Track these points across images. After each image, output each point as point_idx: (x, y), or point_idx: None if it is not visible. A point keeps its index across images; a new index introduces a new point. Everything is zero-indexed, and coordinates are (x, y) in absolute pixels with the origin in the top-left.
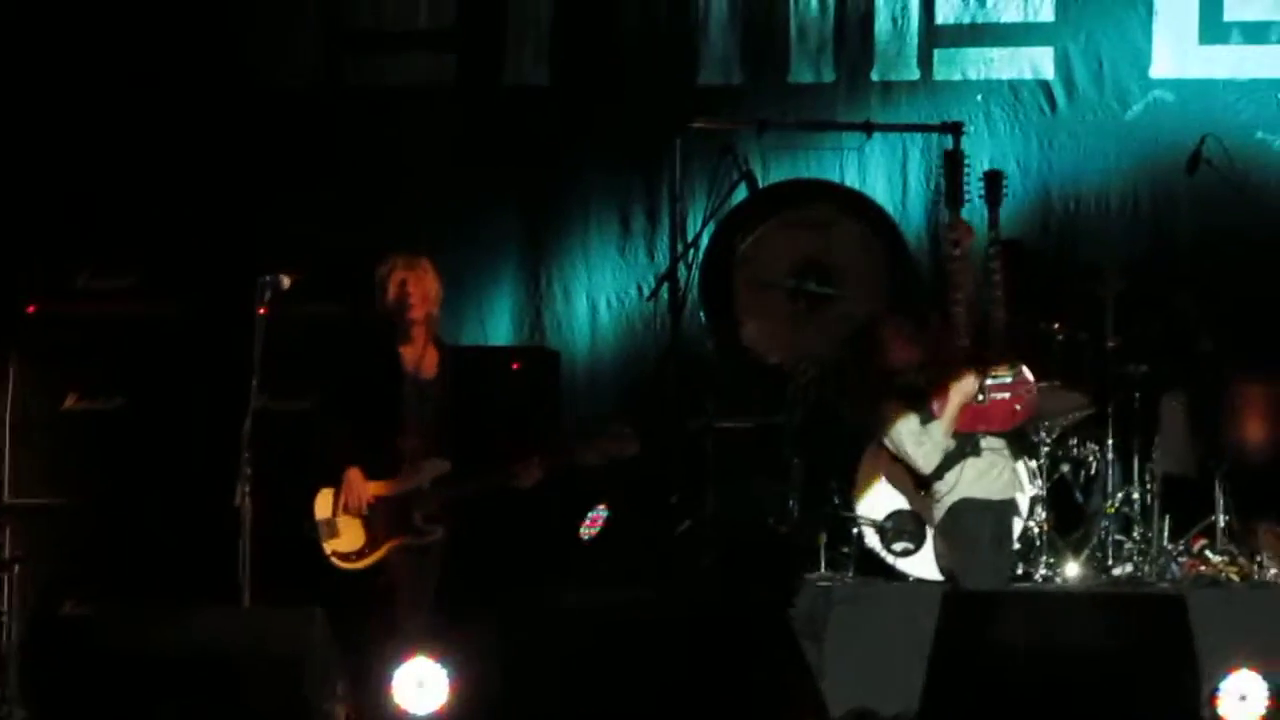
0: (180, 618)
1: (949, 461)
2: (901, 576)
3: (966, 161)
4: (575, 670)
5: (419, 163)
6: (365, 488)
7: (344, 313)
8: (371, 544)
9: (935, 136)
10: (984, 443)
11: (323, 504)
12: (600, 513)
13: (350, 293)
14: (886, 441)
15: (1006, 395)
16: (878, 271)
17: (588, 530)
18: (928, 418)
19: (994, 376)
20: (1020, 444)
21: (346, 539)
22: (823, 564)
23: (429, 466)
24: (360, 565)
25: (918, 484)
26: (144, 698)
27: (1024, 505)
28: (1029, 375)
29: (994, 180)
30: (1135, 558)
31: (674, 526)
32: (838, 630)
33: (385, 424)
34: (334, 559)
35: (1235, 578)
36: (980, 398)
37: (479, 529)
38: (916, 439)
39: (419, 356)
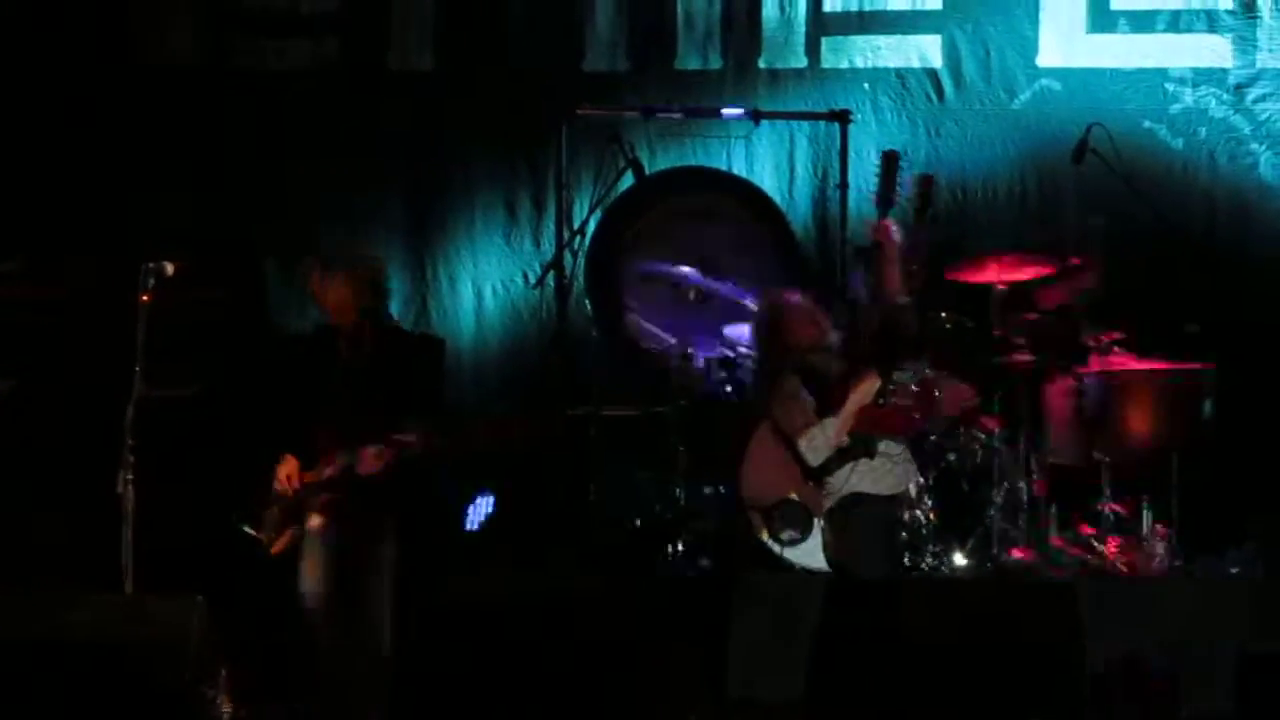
0: (60, 605)
1: (841, 458)
2: (788, 566)
3: (902, 163)
4: (462, 662)
5: (303, 147)
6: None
7: (228, 300)
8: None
9: (823, 125)
10: (881, 446)
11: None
12: (486, 500)
13: (231, 279)
14: (779, 422)
15: (908, 402)
16: (764, 261)
17: (474, 519)
18: (824, 410)
19: (897, 380)
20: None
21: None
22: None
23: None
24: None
25: (805, 474)
26: (22, 685)
27: (912, 494)
28: (934, 382)
29: (925, 184)
30: (1024, 546)
31: (560, 515)
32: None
33: (312, 411)
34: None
35: (1123, 567)
36: (880, 401)
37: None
38: (804, 426)
39: (352, 345)
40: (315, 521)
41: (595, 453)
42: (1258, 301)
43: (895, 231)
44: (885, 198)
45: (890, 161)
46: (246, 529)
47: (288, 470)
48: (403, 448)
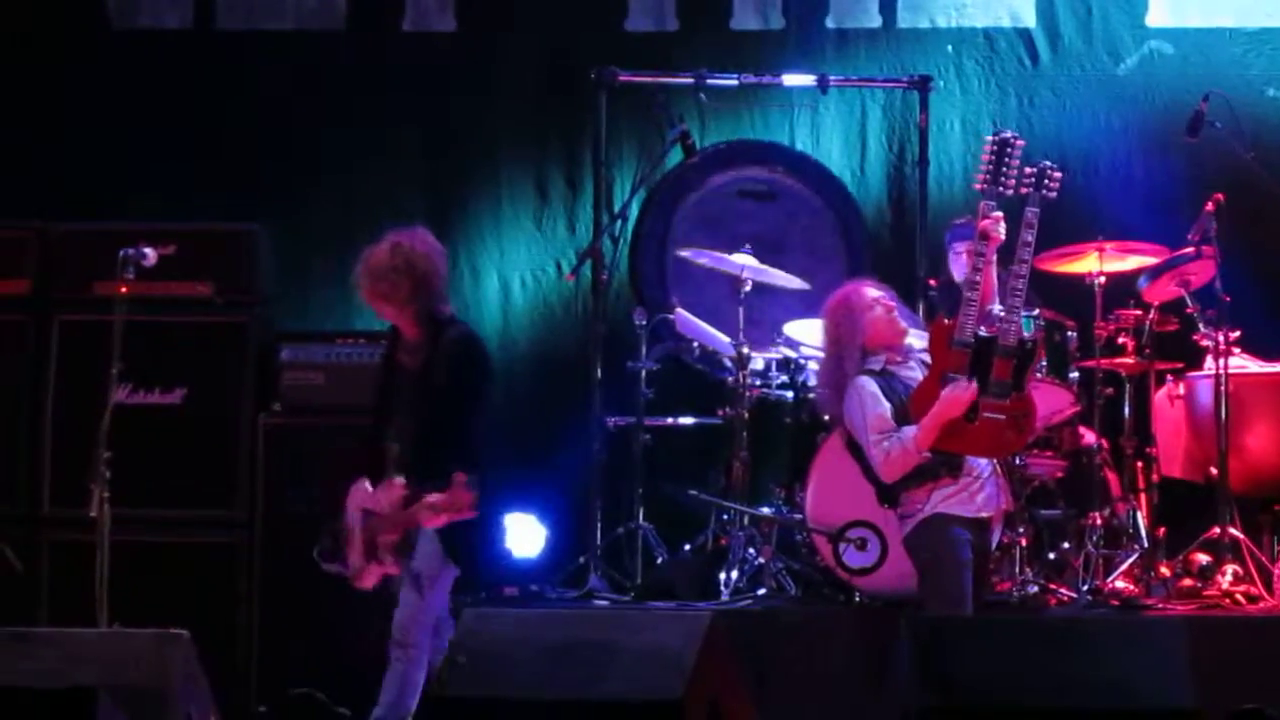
0: (29, 642)
1: (920, 477)
2: (858, 596)
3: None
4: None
5: (304, 120)
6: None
7: (213, 294)
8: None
9: (899, 93)
10: (966, 465)
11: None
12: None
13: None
14: (850, 432)
15: (1001, 418)
16: (831, 249)
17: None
18: (903, 421)
19: (993, 393)
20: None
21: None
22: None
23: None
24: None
25: (879, 493)
26: None
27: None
28: (1032, 401)
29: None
30: (1128, 576)
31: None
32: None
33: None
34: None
35: (1242, 601)
36: (971, 416)
37: None
38: (880, 436)
39: (409, 349)
40: (387, 560)
41: (640, 467)
42: None
43: (1001, 224)
44: (994, 185)
45: (1004, 147)
46: (328, 566)
47: (360, 500)
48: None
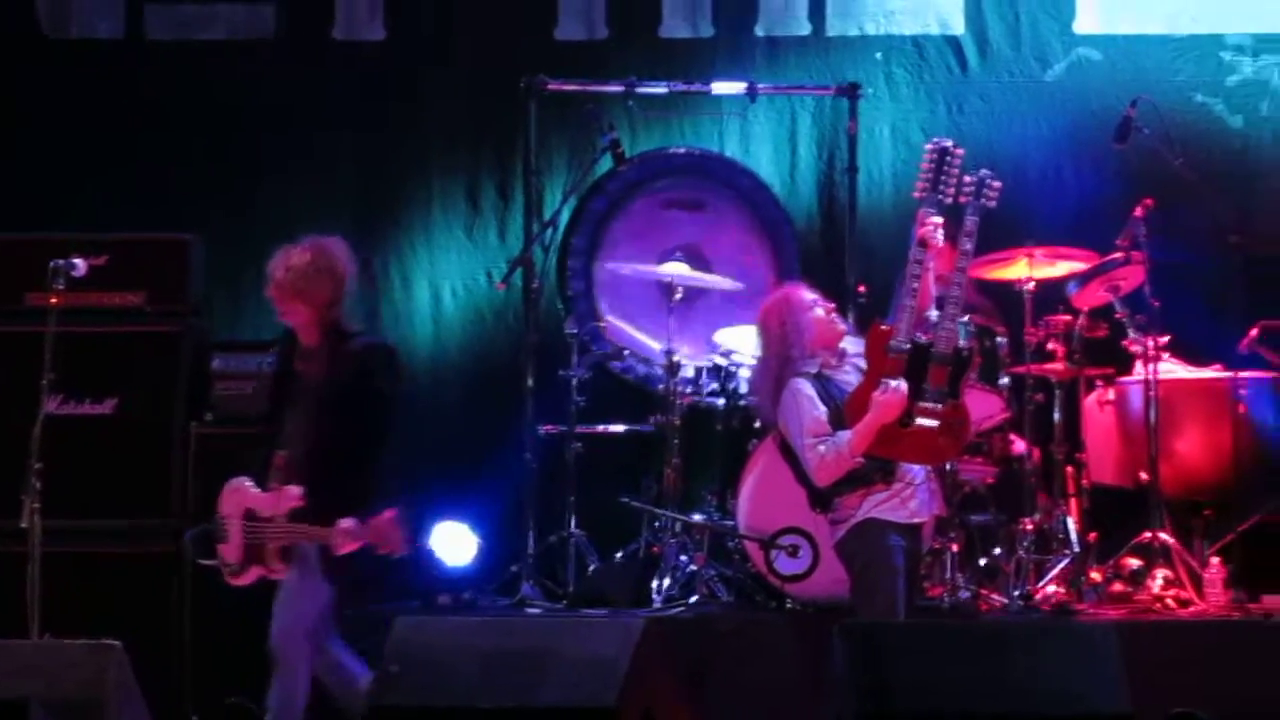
0: None
1: (853, 482)
2: (791, 602)
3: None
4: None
5: (235, 130)
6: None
7: (144, 304)
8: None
9: (829, 100)
10: (899, 471)
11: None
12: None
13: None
14: (785, 436)
15: (935, 425)
16: (761, 256)
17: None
18: (839, 422)
19: (928, 399)
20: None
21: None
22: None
23: (283, 495)
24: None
25: (812, 498)
26: None
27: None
28: (967, 409)
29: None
30: (1059, 581)
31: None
32: (716, 665)
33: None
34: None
35: (1173, 606)
36: (905, 422)
37: None
38: (815, 440)
39: (307, 356)
40: (275, 566)
41: (572, 475)
42: None
43: (939, 231)
44: (933, 193)
45: (944, 156)
46: (201, 560)
47: (236, 499)
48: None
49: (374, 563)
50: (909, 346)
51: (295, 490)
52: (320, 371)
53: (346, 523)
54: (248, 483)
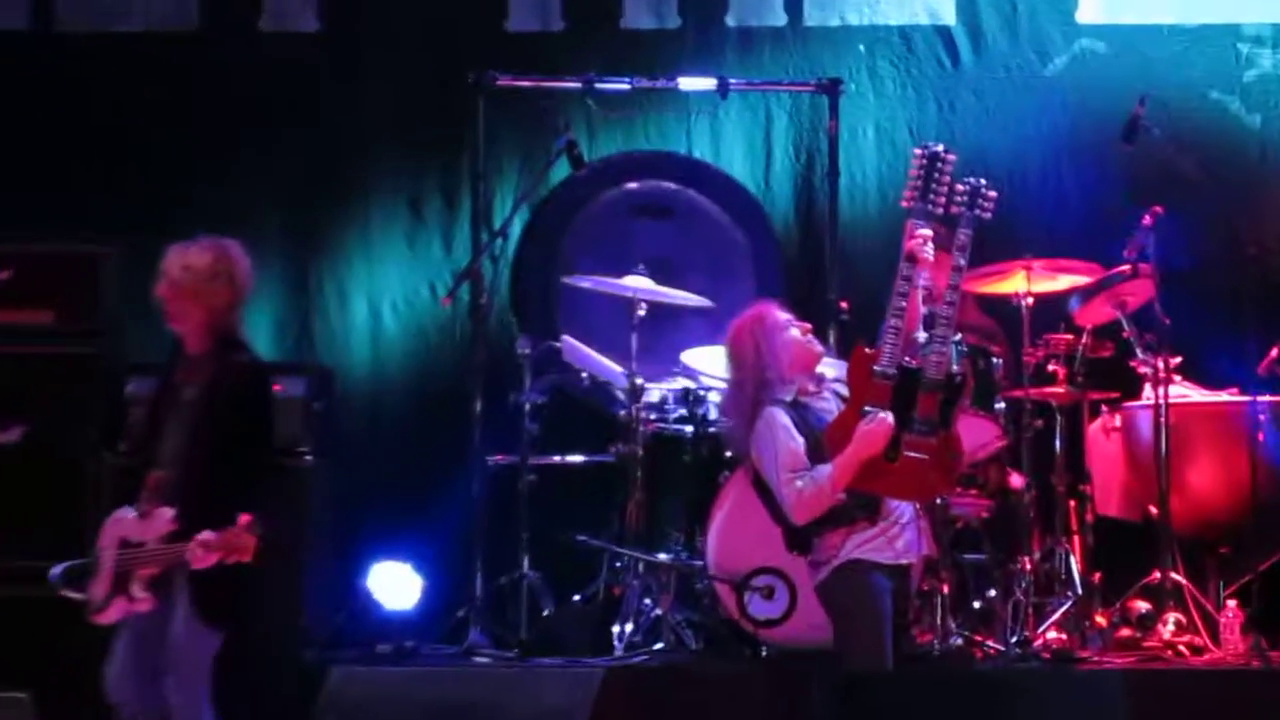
0: None
1: (834, 520)
2: (766, 650)
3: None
4: None
5: (153, 130)
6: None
7: (53, 324)
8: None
9: (807, 97)
10: (885, 507)
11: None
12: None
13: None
14: (758, 469)
15: (925, 458)
16: (734, 268)
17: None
18: (816, 458)
19: (917, 430)
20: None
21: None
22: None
23: (156, 517)
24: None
25: (790, 537)
26: None
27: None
28: (959, 441)
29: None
30: (1061, 625)
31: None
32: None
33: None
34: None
35: (1185, 653)
36: (891, 455)
37: None
38: (792, 475)
39: (190, 366)
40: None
41: (525, 511)
42: None
43: (929, 244)
44: (923, 202)
45: (934, 161)
46: (65, 590)
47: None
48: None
49: (238, 580)
50: (895, 372)
51: (168, 512)
52: (204, 381)
53: (204, 535)
54: (128, 510)
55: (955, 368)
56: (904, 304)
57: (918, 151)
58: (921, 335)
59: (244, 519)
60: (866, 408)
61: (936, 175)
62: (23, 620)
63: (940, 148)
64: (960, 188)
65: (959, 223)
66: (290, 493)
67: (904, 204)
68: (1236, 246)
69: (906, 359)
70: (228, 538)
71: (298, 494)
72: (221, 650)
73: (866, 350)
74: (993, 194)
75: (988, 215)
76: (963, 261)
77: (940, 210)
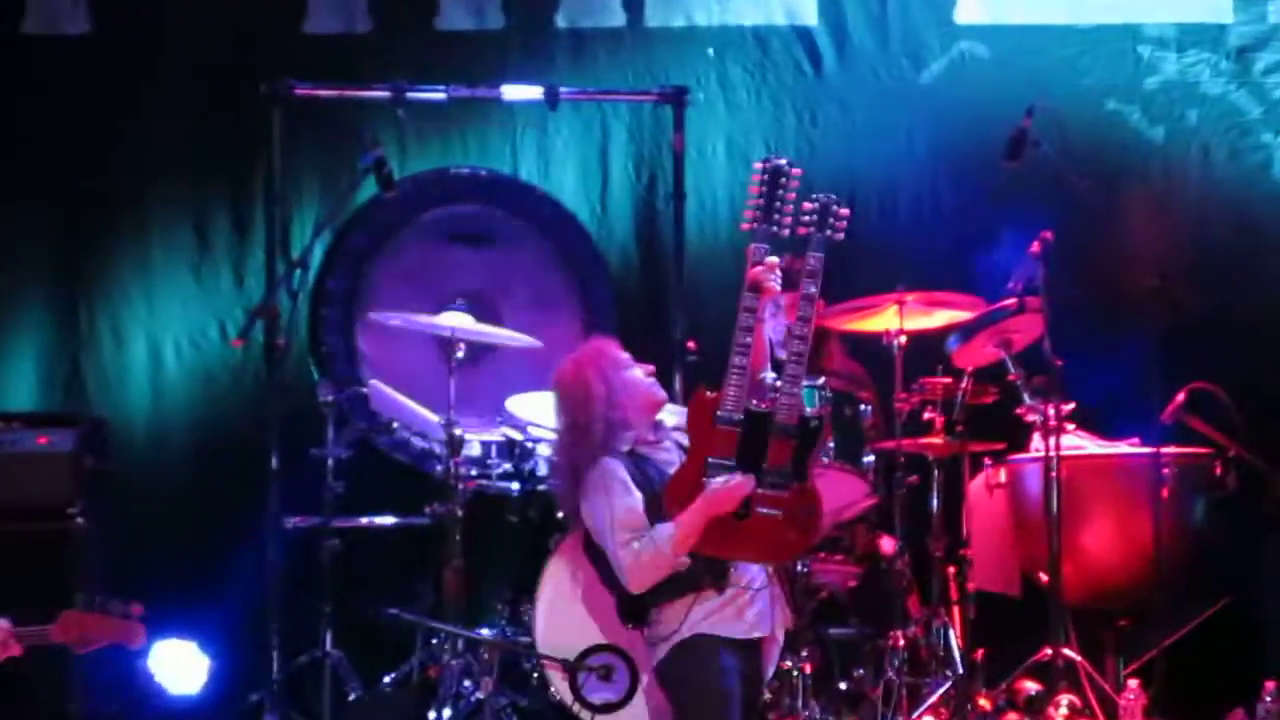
0: None
1: (676, 588)
2: None
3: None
4: None
5: None
6: None
7: None
8: None
9: (648, 108)
10: (734, 573)
11: None
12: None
13: None
14: (590, 530)
15: (778, 514)
16: (564, 303)
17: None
18: (656, 516)
19: (769, 483)
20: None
21: None
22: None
23: None
24: None
25: (625, 609)
26: None
27: (779, 638)
28: (817, 493)
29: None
30: (939, 709)
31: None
32: None
33: None
34: None
35: None
36: (742, 512)
37: None
38: (629, 535)
39: None
40: None
41: (328, 581)
42: (1272, 357)
43: (777, 273)
44: (766, 224)
45: (777, 177)
46: None
47: None
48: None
49: None
50: (742, 417)
51: None
52: None
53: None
54: None
55: (810, 410)
56: (749, 340)
57: (758, 166)
58: (770, 375)
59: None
60: (710, 459)
61: (780, 192)
62: None
63: (783, 161)
64: (808, 205)
65: (809, 245)
66: (56, 561)
67: (745, 226)
68: (1136, 276)
69: (753, 402)
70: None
71: (65, 562)
72: None
73: (708, 394)
74: (844, 211)
75: (839, 236)
76: (814, 289)
77: (785, 233)
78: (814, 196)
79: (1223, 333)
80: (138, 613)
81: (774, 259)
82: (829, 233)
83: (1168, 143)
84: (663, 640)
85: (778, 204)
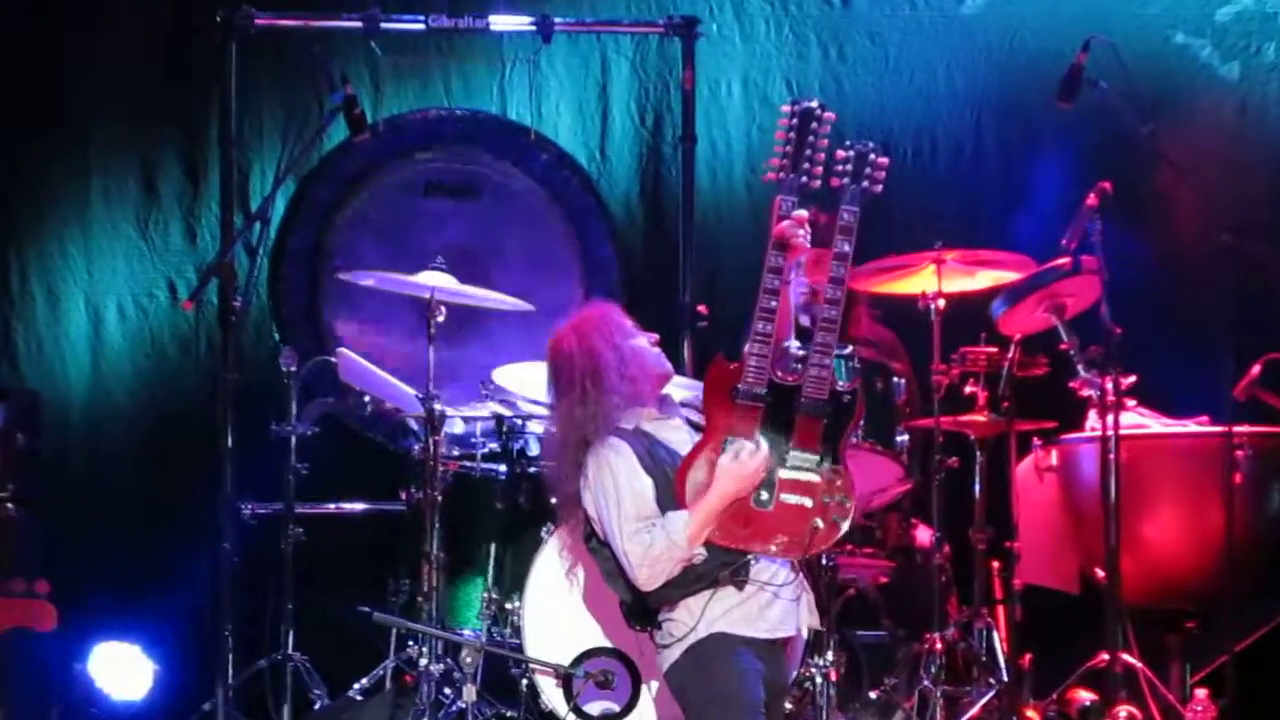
0: None
1: (690, 582)
2: None
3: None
4: None
5: None
6: None
7: None
8: None
9: (655, 41)
10: (755, 567)
11: None
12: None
13: None
14: (592, 519)
15: (806, 503)
16: (559, 260)
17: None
18: (667, 502)
19: (795, 466)
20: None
21: None
22: None
23: None
24: None
25: (631, 608)
26: None
27: (804, 639)
28: (850, 478)
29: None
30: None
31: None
32: None
33: None
34: None
35: None
36: (764, 497)
37: None
38: (638, 524)
39: None
40: None
41: (290, 575)
42: None
43: (805, 229)
44: (794, 174)
45: (807, 121)
46: None
47: None
48: None
49: None
50: (765, 391)
51: None
52: None
53: None
54: None
55: (842, 385)
56: (774, 303)
57: (785, 109)
58: (794, 345)
59: (42, 585)
60: (728, 438)
61: (811, 139)
62: None
63: (815, 103)
64: (842, 154)
65: (842, 199)
66: None
67: (770, 177)
68: (1207, 233)
69: (778, 374)
70: None
71: None
72: None
73: (727, 364)
74: (883, 160)
75: (877, 188)
76: (848, 247)
77: (817, 184)
78: (848, 144)
79: None
80: (43, 591)
81: (802, 212)
82: (866, 184)
83: (1243, 81)
84: (675, 642)
85: (808, 151)
